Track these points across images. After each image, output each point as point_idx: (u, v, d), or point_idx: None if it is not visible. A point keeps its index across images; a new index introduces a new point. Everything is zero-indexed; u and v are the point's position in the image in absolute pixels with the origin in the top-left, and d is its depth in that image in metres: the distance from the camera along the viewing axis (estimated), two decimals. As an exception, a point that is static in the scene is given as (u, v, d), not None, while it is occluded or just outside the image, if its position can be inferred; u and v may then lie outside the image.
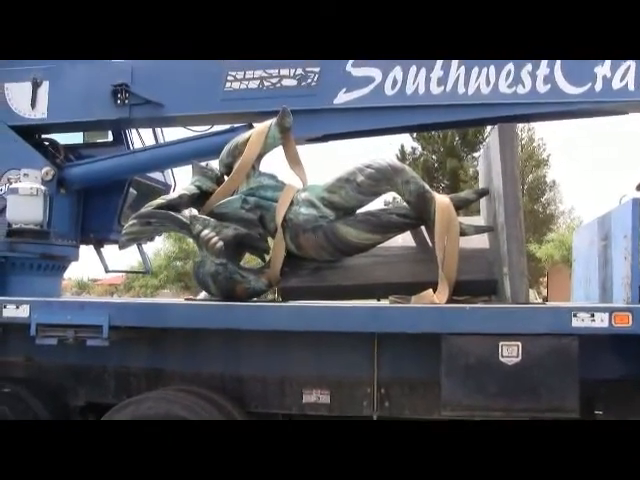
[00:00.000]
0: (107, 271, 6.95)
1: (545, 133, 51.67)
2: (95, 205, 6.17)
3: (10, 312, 4.26)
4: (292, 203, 4.47)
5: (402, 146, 38.32)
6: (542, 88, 4.74)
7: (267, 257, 4.67)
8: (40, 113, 5.72)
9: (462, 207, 4.78)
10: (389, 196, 8.20)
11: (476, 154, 34.84)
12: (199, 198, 4.64)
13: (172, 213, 4.51)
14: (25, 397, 4.55)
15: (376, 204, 4.64)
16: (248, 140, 4.62)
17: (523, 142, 34.74)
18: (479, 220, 4.92)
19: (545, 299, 16.43)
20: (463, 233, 4.38)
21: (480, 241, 4.61)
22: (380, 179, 4.37)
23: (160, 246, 33.54)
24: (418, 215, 4.42)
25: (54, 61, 5.47)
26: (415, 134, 35.96)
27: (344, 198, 4.40)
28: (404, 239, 4.63)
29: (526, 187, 34.04)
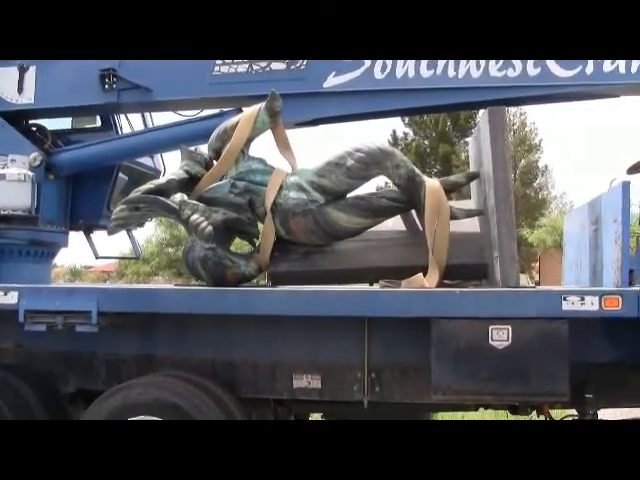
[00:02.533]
0: (97, 257, 6.92)
1: (538, 118, 51.72)
2: (84, 191, 6.12)
3: None
4: (281, 187, 4.44)
5: (394, 131, 38.34)
6: (532, 71, 4.70)
7: (257, 242, 4.65)
8: (27, 98, 5.66)
9: (452, 191, 4.77)
10: (381, 181, 8.20)
11: (468, 139, 34.80)
12: (188, 183, 4.61)
13: (161, 198, 4.49)
14: (15, 384, 4.52)
15: (367, 188, 4.63)
16: (237, 124, 4.59)
17: (515, 127, 34.78)
18: (470, 204, 4.91)
19: (537, 284, 16.47)
20: (453, 217, 4.37)
21: (471, 225, 4.60)
22: (370, 163, 4.35)
23: (152, 233, 33.54)
24: (408, 199, 4.40)
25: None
26: (407, 119, 36.05)
27: (334, 182, 4.37)
28: (394, 223, 4.62)
29: (518, 172, 34.12)
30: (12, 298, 4.21)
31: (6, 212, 5.42)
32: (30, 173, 5.45)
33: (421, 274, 4.16)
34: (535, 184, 35.96)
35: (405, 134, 38.79)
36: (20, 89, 5.64)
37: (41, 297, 4.25)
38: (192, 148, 4.80)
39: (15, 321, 4.19)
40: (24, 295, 4.21)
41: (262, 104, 4.56)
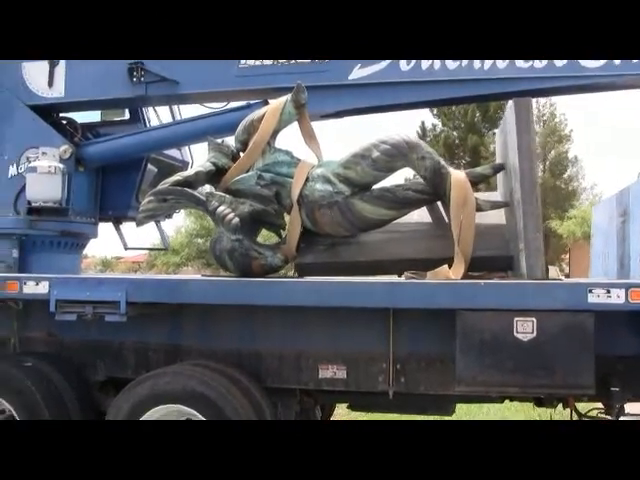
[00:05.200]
0: (126, 248, 7.01)
1: (568, 108, 50.95)
2: (113, 182, 6.22)
3: (30, 289, 4.33)
4: (307, 179, 4.47)
5: (423, 123, 38.14)
6: (559, 62, 4.66)
7: (283, 233, 4.69)
8: (57, 92, 5.77)
9: (478, 182, 4.74)
10: (409, 173, 8.18)
11: (497, 130, 34.45)
12: (215, 175, 4.66)
13: (188, 190, 4.54)
14: (48, 372, 4.62)
15: (394, 180, 4.64)
16: (263, 116, 4.62)
17: (545, 118, 34.40)
18: (496, 196, 4.89)
19: (567, 276, 16.35)
20: (479, 209, 4.34)
21: (496, 217, 4.58)
22: (395, 155, 4.35)
23: (181, 223, 33.78)
24: (434, 191, 4.40)
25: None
26: (435, 110, 35.83)
27: (359, 174, 4.38)
28: (420, 215, 4.62)
29: (548, 163, 33.76)
30: (44, 288, 4.30)
31: (37, 204, 5.54)
32: (60, 165, 5.55)
33: (446, 266, 4.16)
34: (565, 175, 35.54)
35: (434, 125, 38.58)
36: (50, 83, 5.75)
37: (71, 287, 4.32)
38: (219, 140, 4.84)
39: (47, 311, 4.28)
40: (55, 285, 4.28)
41: (288, 96, 4.59)
